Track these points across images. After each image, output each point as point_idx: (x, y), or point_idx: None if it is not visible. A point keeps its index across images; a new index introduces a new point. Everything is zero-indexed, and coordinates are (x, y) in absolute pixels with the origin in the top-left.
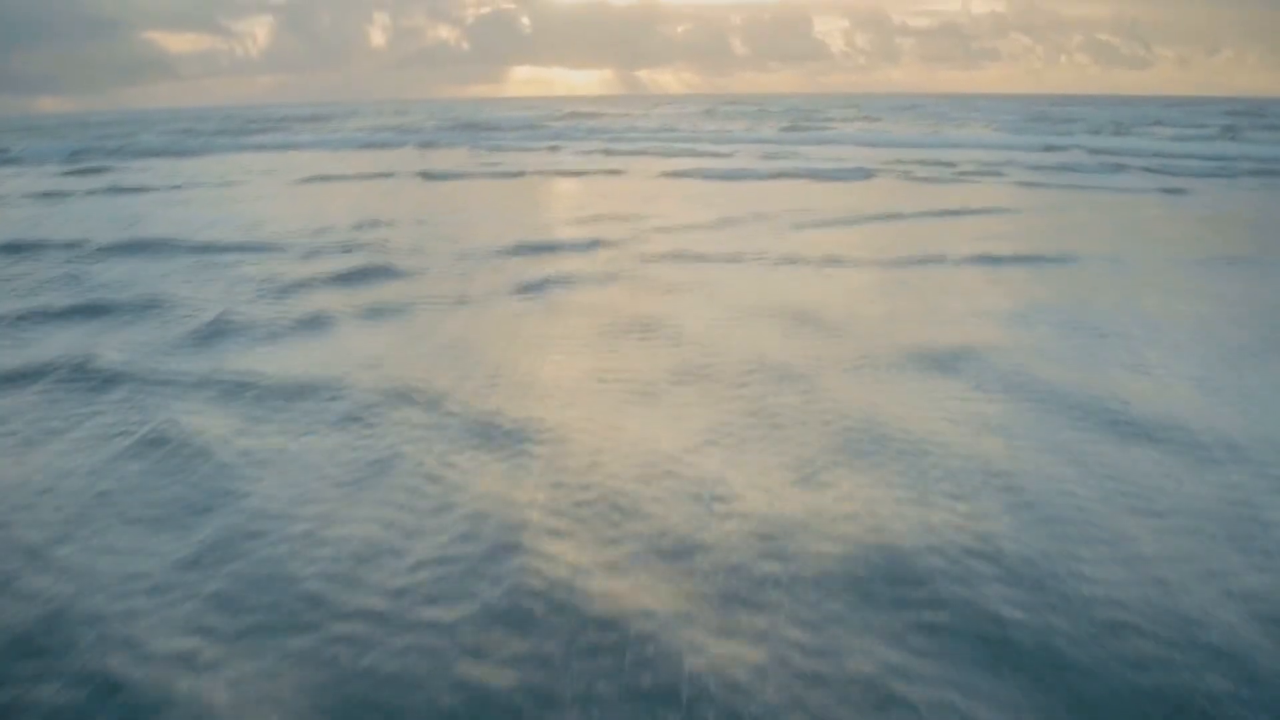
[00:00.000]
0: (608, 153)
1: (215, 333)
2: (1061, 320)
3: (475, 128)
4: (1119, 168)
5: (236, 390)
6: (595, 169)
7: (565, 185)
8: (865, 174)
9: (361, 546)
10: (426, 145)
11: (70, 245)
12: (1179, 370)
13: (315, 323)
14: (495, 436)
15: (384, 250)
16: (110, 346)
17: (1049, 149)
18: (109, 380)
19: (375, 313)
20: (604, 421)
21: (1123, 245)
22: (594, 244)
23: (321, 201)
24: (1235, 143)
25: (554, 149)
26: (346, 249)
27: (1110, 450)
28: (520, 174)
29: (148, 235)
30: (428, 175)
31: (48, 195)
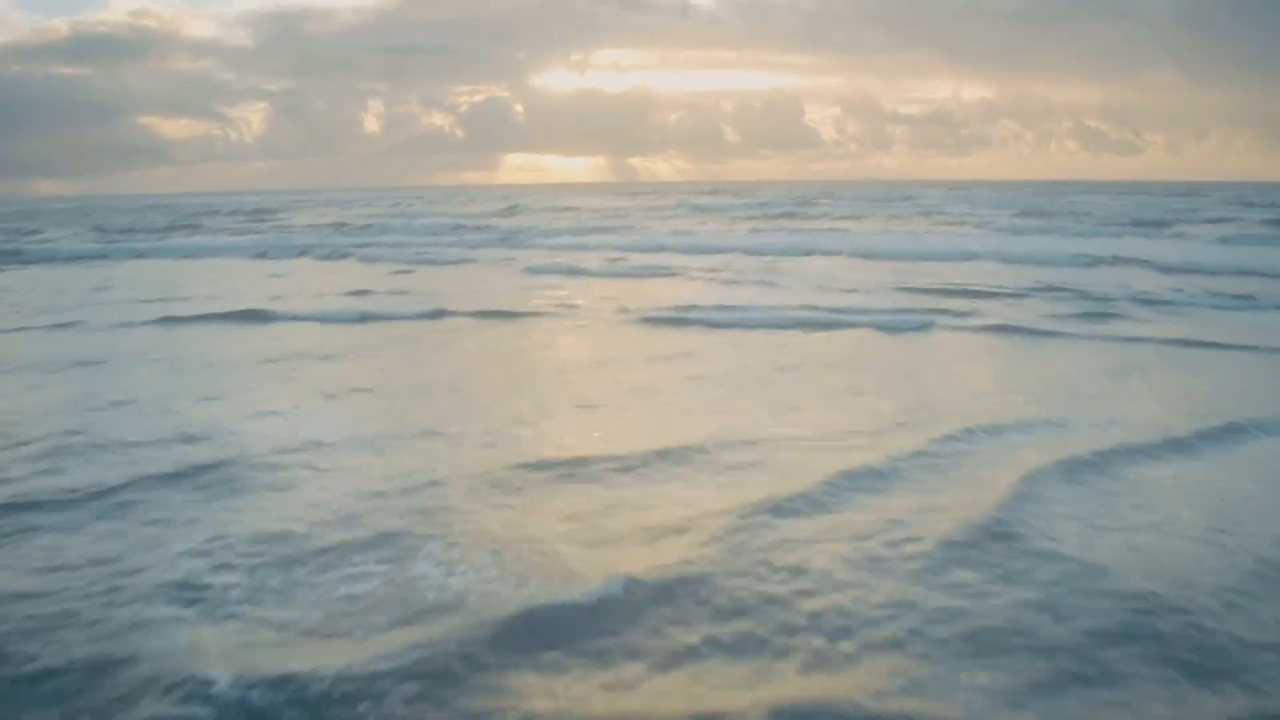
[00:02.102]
0: (567, 271)
1: None
2: None
3: (410, 229)
4: (1245, 300)
5: None
6: (544, 304)
7: (508, 345)
8: (922, 323)
9: None
10: (330, 258)
11: None
12: None
13: None
14: None
15: None
16: None
17: (1094, 262)
18: None
19: None
20: None
21: None
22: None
23: (110, 393)
24: None
25: (495, 260)
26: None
27: None
28: (439, 314)
29: None
30: (323, 319)
31: None
